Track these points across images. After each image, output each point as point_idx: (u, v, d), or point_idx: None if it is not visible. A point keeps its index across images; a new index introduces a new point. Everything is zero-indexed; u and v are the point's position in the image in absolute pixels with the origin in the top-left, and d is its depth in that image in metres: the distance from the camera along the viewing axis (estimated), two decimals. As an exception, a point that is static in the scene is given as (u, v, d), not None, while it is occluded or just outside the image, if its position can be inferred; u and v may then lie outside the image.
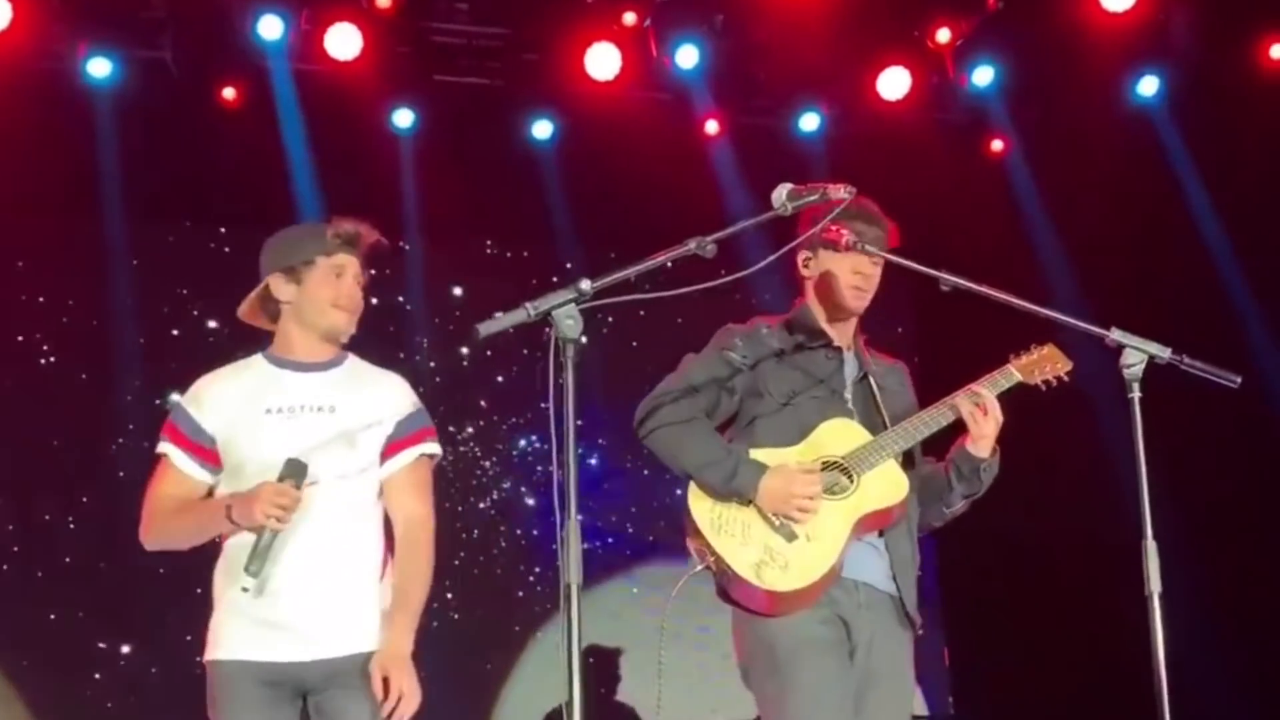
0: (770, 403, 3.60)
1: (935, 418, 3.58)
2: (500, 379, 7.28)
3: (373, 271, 3.64)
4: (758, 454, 3.53)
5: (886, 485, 3.53)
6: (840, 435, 3.56)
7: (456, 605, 6.79)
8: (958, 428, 3.60)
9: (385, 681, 3.37)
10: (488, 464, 7.21)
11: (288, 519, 3.33)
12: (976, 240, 6.62)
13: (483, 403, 7.26)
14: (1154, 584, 3.10)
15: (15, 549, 6.77)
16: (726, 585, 3.50)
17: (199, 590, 3.62)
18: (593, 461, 7.10)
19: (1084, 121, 7.10)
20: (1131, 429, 3.15)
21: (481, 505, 7.12)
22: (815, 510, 3.44)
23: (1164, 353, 3.20)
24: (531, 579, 7.19)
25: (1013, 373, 3.63)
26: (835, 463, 3.53)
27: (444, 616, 6.47)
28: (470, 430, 7.22)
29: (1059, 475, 6.93)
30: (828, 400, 3.61)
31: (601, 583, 7.24)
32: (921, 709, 7.43)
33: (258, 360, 3.63)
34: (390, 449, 3.56)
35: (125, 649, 6.80)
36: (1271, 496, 6.50)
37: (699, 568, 3.50)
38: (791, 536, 3.44)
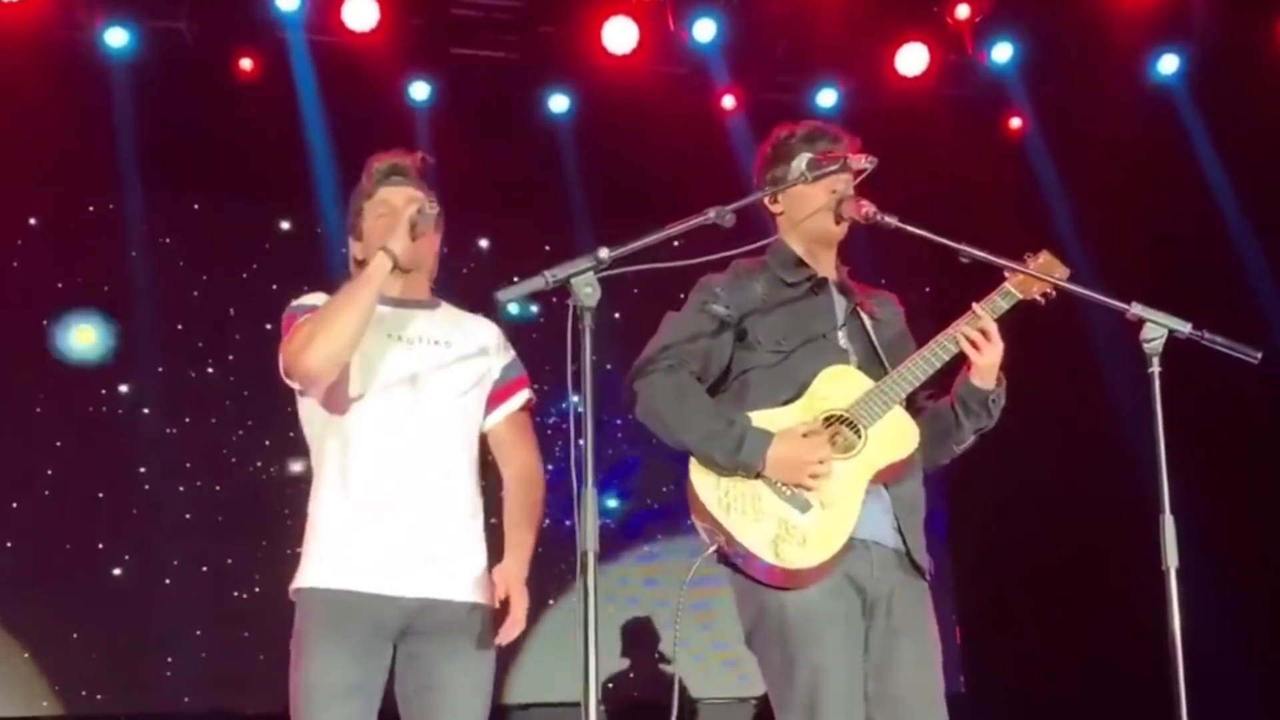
0: (762, 354, 3.44)
1: (936, 353, 3.40)
2: (521, 349, 7.31)
3: (435, 197, 3.53)
4: (757, 418, 3.35)
5: (896, 437, 3.37)
6: (840, 384, 3.39)
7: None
8: (960, 359, 3.44)
9: (504, 601, 3.35)
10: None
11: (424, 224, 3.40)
12: (993, 218, 6.59)
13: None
14: (1171, 559, 3.07)
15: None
16: (740, 564, 3.33)
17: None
18: (619, 436, 7.12)
19: (1103, 99, 7.08)
20: (1150, 403, 3.13)
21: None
22: (827, 474, 3.29)
23: (1184, 327, 3.15)
24: (543, 550, 7.22)
25: (1011, 290, 3.45)
26: (840, 416, 3.37)
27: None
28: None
29: (1075, 452, 6.93)
30: (821, 345, 3.45)
31: (618, 557, 7.27)
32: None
33: None
34: (496, 395, 3.55)
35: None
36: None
37: (710, 549, 3.33)
38: (805, 506, 3.29)
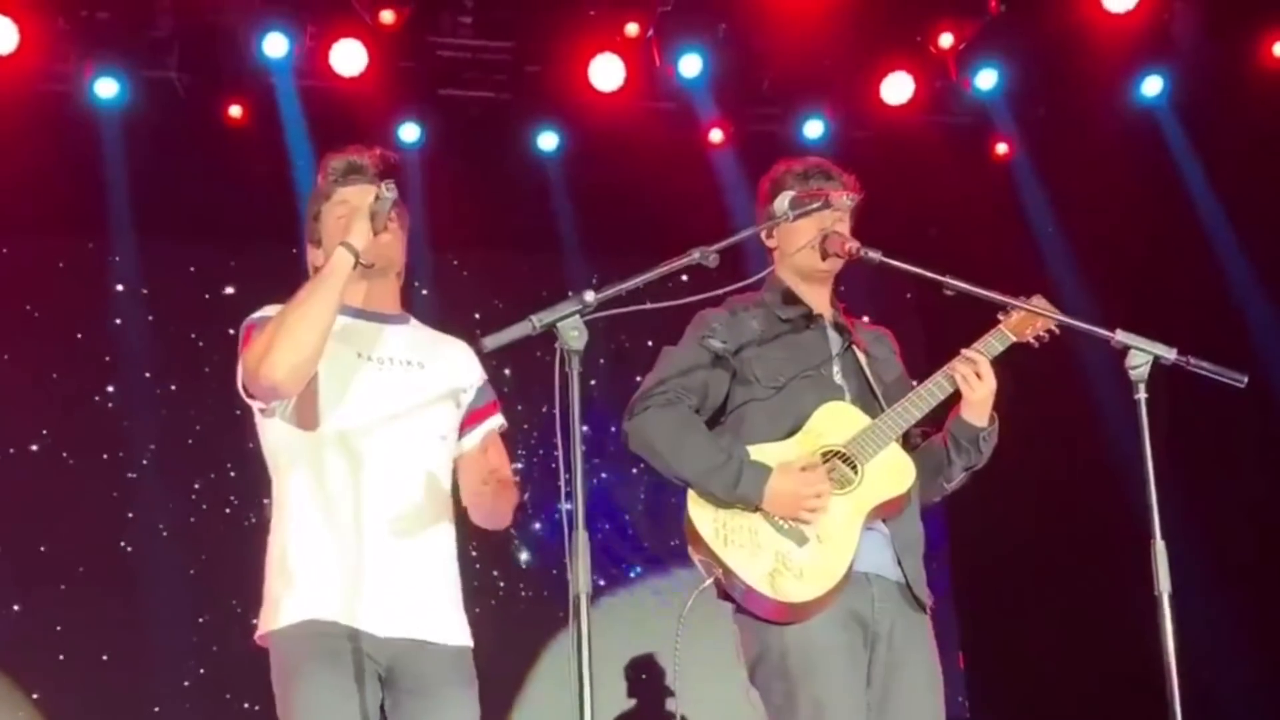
0: (759, 389, 3.47)
1: (932, 390, 3.45)
2: (511, 390, 7.29)
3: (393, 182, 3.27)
4: (756, 451, 3.38)
5: (892, 473, 3.41)
6: (837, 420, 3.43)
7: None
8: (954, 398, 3.48)
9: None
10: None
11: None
12: (982, 243, 6.62)
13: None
14: (1163, 584, 3.08)
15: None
16: (736, 597, 3.35)
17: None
18: (604, 474, 7.14)
19: (1088, 123, 7.11)
20: (1138, 429, 3.14)
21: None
22: (825, 509, 3.32)
23: (1169, 354, 3.17)
24: (538, 592, 7.23)
25: (1005, 333, 3.51)
26: (837, 452, 3.40)
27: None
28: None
29: (1072, 477, 6.94)
30: (816, 380, 3.48)
31: (613, 592, 7.26)
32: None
33: None
34: (469, 419, 3.38)
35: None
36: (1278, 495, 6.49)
37: (707, 582, 3.35)
38: (802, 540, 3.32)
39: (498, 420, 3.45)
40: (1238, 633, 6.27)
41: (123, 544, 6.96)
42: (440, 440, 3.31)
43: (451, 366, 3.38)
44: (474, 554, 6.91)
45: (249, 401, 3.24)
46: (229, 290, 7.26)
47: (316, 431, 3.18)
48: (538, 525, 7.22)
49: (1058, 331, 3.55)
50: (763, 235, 3.62)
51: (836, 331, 3.61)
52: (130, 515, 6.96)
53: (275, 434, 3.25)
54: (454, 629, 3.26)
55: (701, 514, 3.37)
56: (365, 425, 3.18)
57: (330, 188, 3.36)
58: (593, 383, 6.73)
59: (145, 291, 7.11)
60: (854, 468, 3.39)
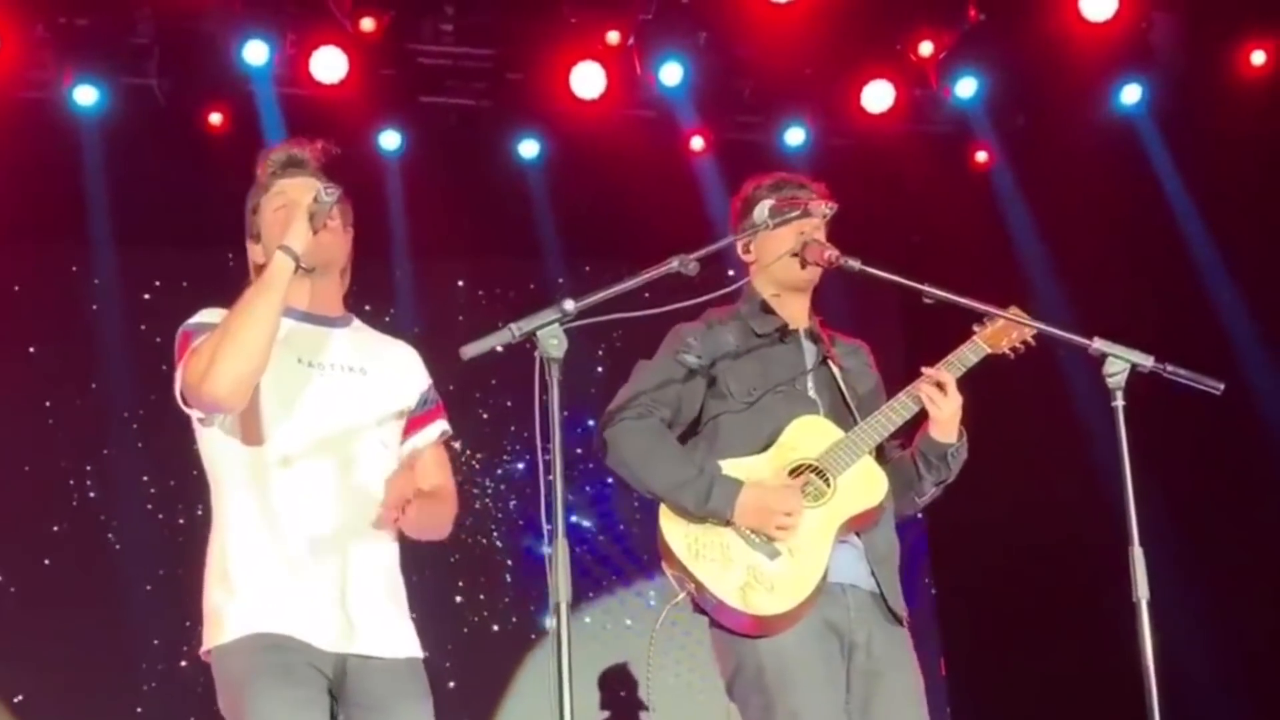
0: (733, 403, 3.47)
1: (898, 410, 3.45)
2: (493, 400, 7.28)
3: (336, 186, 3.17)
4: (728, 466, 3.39)
5: (865, 486, 3.41)
6: (810, 434, 3.43)
7: (451, 632, 6.83)
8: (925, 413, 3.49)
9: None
10: (477, 489, 7.22)
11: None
12: (962, 251, 6.65)
13: (477, 420, 7.26)
14: (1142, 590, 3.10)
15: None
16: (709, 610, 3.36)
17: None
18: (586, 488, 7.13)
19: (1068, 131, 7.13)
20: (1116, 436, 3.16)
21: (469, 524, 7.12)
22: (796, 526, 3.32)
23: (1146, 361, 3.19)
24: (516, 600, 7.21)
25: (980, 344, 3.52)
26: (810, 465, 3.40)
27: (437, 642, 6.49)
28: (463, 450, 7.22)
29: (1052, 484, 6.95)
30: (790, 394, 3.49)
31: (594, 602, 7.25)
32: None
33: None
34: (413, 423, 3.28)
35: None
36: (1257, 501, 6.52)
37: (680, 596, 3.36)
38: (774, 554, 3.32)
39: (439, 428, 3.34)
40: (1216, 638, 6.29)
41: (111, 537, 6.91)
42: (382, 448, 3.21)
43: (394, 372, 3.29)
44: (453, 560, 6.98)
45: (187, 411, 3.13)
46: (207, 295, 7.21)
47: (257, 440, 3.09)
48: (521, 523, 7.21)
49: (1034, 343, 3.56)
50: (739, 249, 3.62)
51: (812, 344, 3.62)
52: (103, 524, 6.93)
53: (214, 443, 3.15)
54: (402, 641, 3.17)
55: (673, 528, 3.37)
56: (306, 434, 3.10)
57: (269, 180, 3.26)
58: (593, 390, 6.74)
59: (124, 298, 7.07)
60: (826, 481, 3.40)
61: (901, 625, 3.47)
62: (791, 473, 3.40)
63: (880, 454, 3.52)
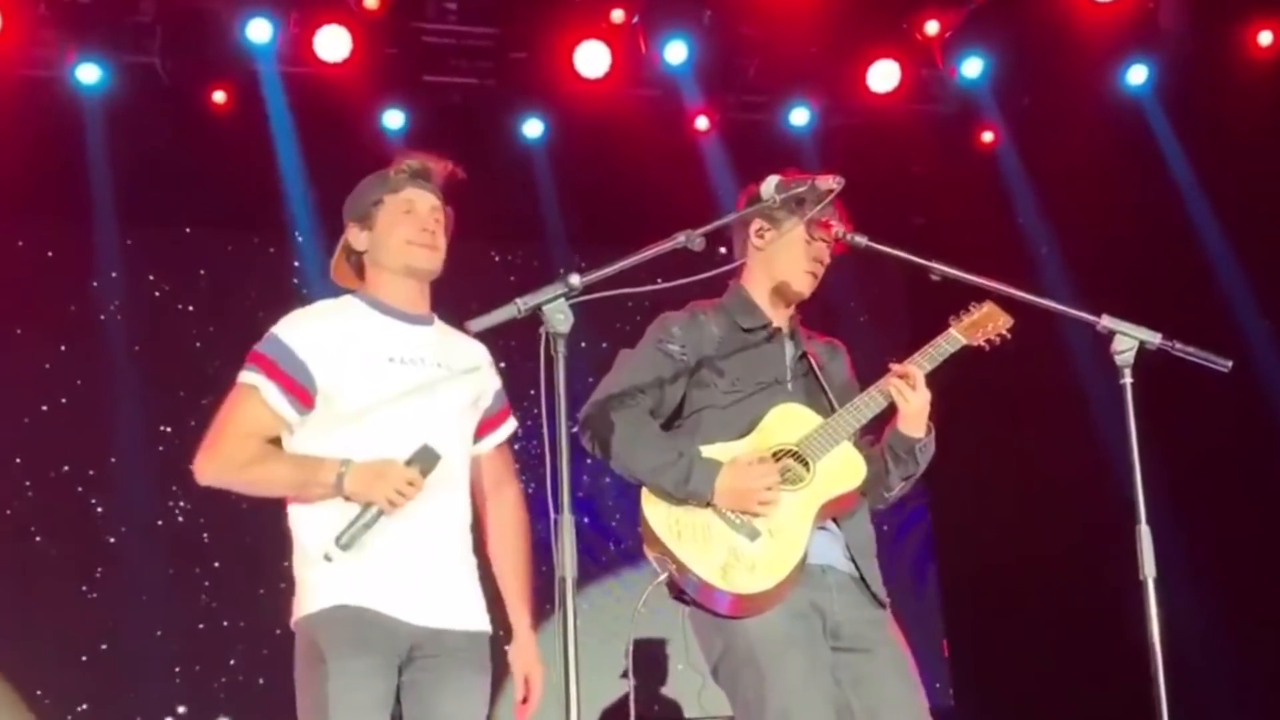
0: (715, 394, 3.51)
1: (868, 404, 3.47)
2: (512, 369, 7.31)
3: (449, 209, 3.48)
4: (709, 450, 3.43)
5: (844, 469, 3.44)
6: (790, 421, 3.47)
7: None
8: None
9: (526, 681, 3.38)
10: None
11: (402, 505, 3.17)
12: (968, 230, 6.63)
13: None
14: (1149, 569, 3.09)
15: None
16: (691, 591, 3.39)
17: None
18: (588, 460, 7.11)
19: (1074, 111, 7.12)
20: (1124, 414, 3.14)
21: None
22: (775, 502, 3.35)
23: (1154, 338, 3.18)
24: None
25: (955, 335, 3.52)
26: (789, 450, 3.43)
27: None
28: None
29: (1056, 464, 6.95)
30: (772, 390, 3.53)
31: (597, 580, 7.25)
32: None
33: (352, 302, 3.42)
34: (488, 423, 3.49)
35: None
36: (1265, 479, 6.51)
37: (662, 577, 3.39)
38: (754, 534, 3.35)
39: (511, 426, 3.57)
40: (1222, 616, 6.29)
41: (110, 539, 6.92)
42: (461, 439, 3.40)
43: (473, 368, 3.46)
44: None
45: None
46: (211, 274, 7.23)
47: (347, 428, 3.26)
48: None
49: (1009, 336, 3.55)
50: (751, 235, 3.63)
51: (793, 342, 3.66)
52: (109, 510, 6.92)
53: (304, 442, 3.32)
54: (472, 615, 3.34)
55: (655, 511, 3.40)
56: (392, 421, 3.26)
57: (399, 182, 3.43)
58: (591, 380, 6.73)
59: (127, 277, 7.07)
60: (806, 465, 3.43)
61: (884, 609, 3.51)
62: (772, 457, 3.43)
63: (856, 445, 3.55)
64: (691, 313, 3.60)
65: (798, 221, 3.53)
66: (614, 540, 7.35)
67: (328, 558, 3.17)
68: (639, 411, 3.47)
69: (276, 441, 3.32)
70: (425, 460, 3.20)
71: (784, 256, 3.59)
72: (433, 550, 3.28)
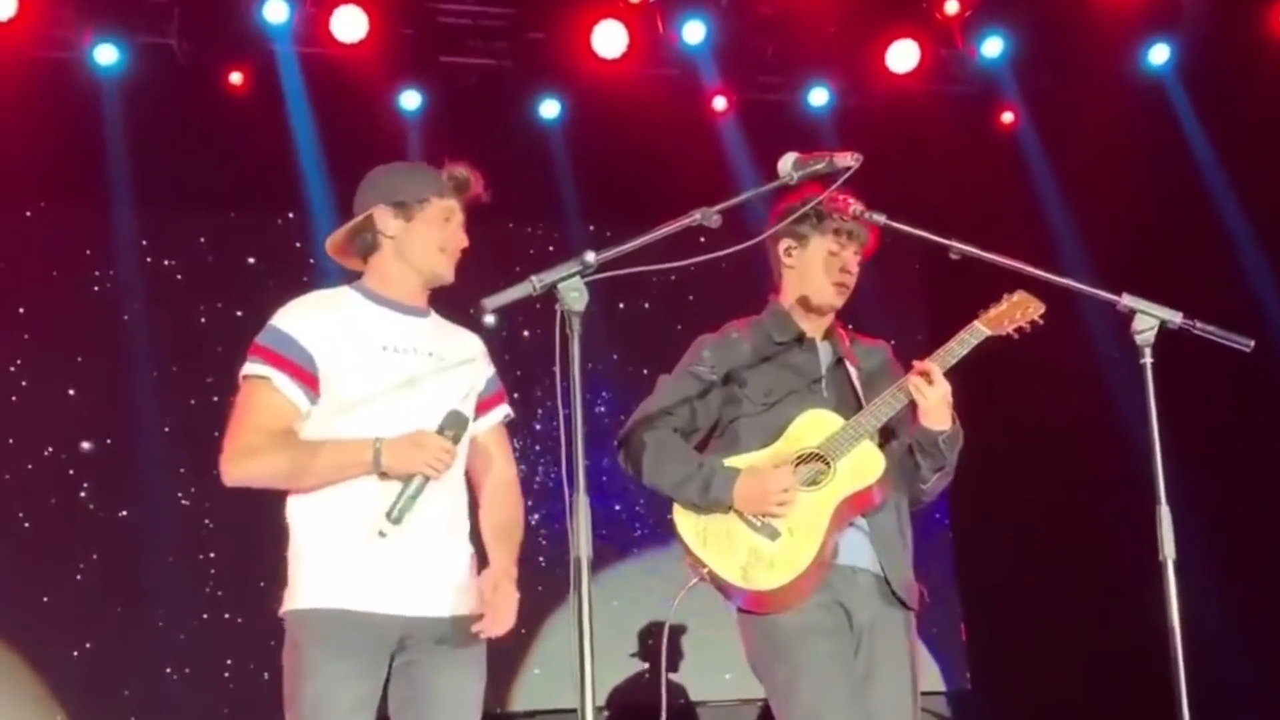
0: (749, 405, 3.65)
1: (889, 402, 3.55)
2: (511, 358, 7.29)
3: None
4: (732, 460, 3.58)
5: (861, 467, 3.54)
6: (815, 426, 3.58)
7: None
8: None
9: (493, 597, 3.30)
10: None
11: (444, 471, 3.21)
12: (988, 211, 6.59)
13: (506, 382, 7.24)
14: (1168, 550, 3.07)
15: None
16: (724, 593, 3.57)
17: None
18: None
19: (1094, 91, 7.07)
20: (1144, 394, 3.12)
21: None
22: (792, 503, 3.47)
23: (1175, 317, 3.17)
24: (542, 560, 7.21)
25: (980, 328, 3.57)
26: (812, 453, 3.55)
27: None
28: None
29: (1074, 446, 6.92)
30: (805, 394, 3.64)
31: (613, 565, 7.25)
32: (939, 684, 7.43)
33: (348, 293, 3.43)
34: (481, 406, 3.51)
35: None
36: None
37: (694, 582, 3.56)
38: (774, 535, 3.50)
39: (503, 410, 3.58)
40: (1243, 599, 6.26)
41: (123, 513, 6.93)
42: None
43: (464, 356, 3.48)
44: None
45: None
46: (227, 255, 7.24)
47: (340, 419, 3.27)
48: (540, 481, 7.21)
49: (1041, 322, 3.57)
50: (781, 254, 3.73)
51: (828, 347, 3.75)
52: (121, 496, 6.94)
53: (304, 431, 3.31)
54: (462, 600, 3.33)
55: (684, 521, 3.59)
56: (386, 410, 3.27)
57: (449, 190, 3.48)
58: (614, 357, 6.73)
59: (143, 257, 7.08)
60: (828, 465, 3.53)
61: (904, 608, 3.60)
62: (797, 461, 3.54)
63: (885, 448, 3.62)
64: (725, 333, 3.75)
65: (823, 237, 3.66)
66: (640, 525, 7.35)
67: (381, 534, 3.17)
68: (665, 431, 3.64)
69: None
70: (455, 425, 3.25)
71: (812, 271, 3.71)
72: (427, 540, 3.27)
